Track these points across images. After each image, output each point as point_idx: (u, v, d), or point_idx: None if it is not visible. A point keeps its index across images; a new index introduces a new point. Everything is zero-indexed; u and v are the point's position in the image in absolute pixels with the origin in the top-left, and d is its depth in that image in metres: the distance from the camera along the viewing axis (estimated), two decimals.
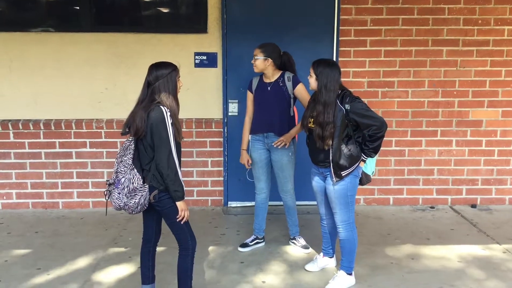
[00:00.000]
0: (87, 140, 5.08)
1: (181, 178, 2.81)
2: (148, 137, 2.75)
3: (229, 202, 5.24)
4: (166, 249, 3.95)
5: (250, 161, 4.02)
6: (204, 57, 4.98)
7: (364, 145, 3.30)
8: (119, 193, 2.78)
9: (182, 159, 3.06)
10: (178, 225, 2.88)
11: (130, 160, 2.79)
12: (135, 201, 2.76)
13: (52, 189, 5.15)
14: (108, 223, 4.73)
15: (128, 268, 3.75)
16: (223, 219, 4.90)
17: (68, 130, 5.05)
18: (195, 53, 4.97)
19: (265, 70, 3.87)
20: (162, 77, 2.80)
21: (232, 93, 5.04)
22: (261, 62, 3.83)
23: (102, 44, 4.94)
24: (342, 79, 5.03)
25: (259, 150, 3.98)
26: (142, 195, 2.77)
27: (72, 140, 5.07)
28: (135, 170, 2.78)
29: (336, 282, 3.44)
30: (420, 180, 5.29)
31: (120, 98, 5.04)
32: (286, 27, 4.94)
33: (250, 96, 4.02)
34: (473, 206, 5.28)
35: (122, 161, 2.83)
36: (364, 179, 3.44)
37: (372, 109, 3.29)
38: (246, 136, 4.04)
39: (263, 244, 4.20)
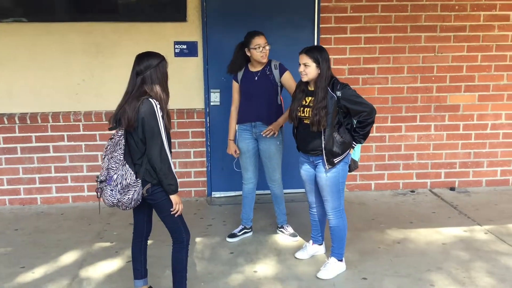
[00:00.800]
0: (65, 134, 4.94)
1: (174, 171, 2.76)
2: (139, 131, 2.68)
3: (212, 193, 5.21)
4: (154, 243, 3.89)
5: (237, 151, 3.99)
6: (184, 46, 4.89)
7: (354, 131, 3.32)
8: (111, 190, 2.70)
9: None
10: (172, 219, 2.84)
11: (122, 156, 2.71)
12: (128, 197, 2.69)
13: (30, 185, 5.00)
14: (91, 218, 4.63)
15: (116, 263, 3.69)
16: (208, 210, 4.86)
17: (45, 124, 4.89)
18: (174, 42, 4.88)
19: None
20: (150, 68, 2.72)
21: (213, 83, 4.98)
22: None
23: (78, 34, 4.79)
24: None
25: (246, 140, 3.95)
26: (136, 190, 2.70)
27: (49, 133, 4.92)
28: (127, 165, 2.70)
29: (327, 269, 3.47)
30: (400, 165, 5.38)
31: (98, 90, 4.91)
32: (268, 14, 4.89)
33: (235, 86, 3.97)
34: (452, 189, 5.41)
35: (112, 157, 2.73)
36: (353, 166, 3.47)
37: (361, 96, 3.31)
38: (233, 126, 4.00)
39: (251, 233, 4.19)
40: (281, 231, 4.19)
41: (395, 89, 5.19)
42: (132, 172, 2.70)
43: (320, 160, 3.36)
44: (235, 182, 5.06)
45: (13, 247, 4.01)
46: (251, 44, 3.74)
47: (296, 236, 4.10)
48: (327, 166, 3.32)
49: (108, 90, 4.92)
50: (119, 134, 2.76)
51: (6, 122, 4.84)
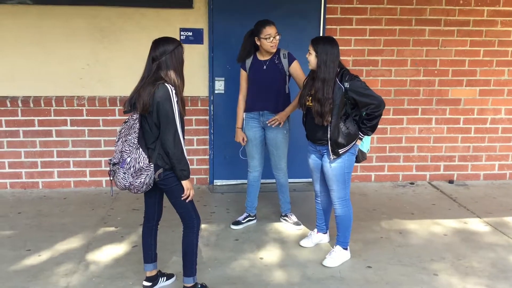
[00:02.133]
0: (68, 118, 4.93)
1: (187, 157, 2.78)
2: (154, 115, 2.69)
3: (214, 181, 5.22)
4: (160, 228, 3.83)
5: (245, 139, 4.01)
6: (190, 33, 4.88)
7: (362, 123, 3.34)
8: (124, 173, 2.71)
9: None
10: (183, 204, 2.86)
11: (136, 139, 2.71)
12: (140, 181, 2.71)
13: (32, 169, 4.98)
14: (93, 203, 4.64)
15: (122, 247, 3.70)
16: (210, 198, 4.89)
17: (48, 108, 4.87)
18: (180, 29, 4.87)
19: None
20: (167, 53, 2.72)
21: (218, 71, 4.98)
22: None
23: (83, 18, 4.76)
24: None
25: (253, 128, 3.97)
26: (148, 174, 2.71)
27: (52, 118, 4.90)
28: (140, 149, 2.71)
29: (333, 257, 3.52)
30: (401, 157, 5.44)
31: (102, 75, 4.89)
32: (274, 3, 4.89)
33: (244, 74, 3.97)
34: (451, 181, 5.48)
35: (126, 140, 2.74)
36: (360, 157, 3.50)
37: (370, 88, 3.33)
38: (241, 114, 4.01)
39: (255, 221, 4.22)
40: (284, 219, 4.22)
41: (398, 82, 5.23)
42: (145, 156, 2.71)
43: (326, 150, 3.40)
44: (238, 170, 5.09)
45: (17, 230, 4.01)
46: (261, 34, 3.74)
47: (300, 224, 4.14)
48: (332, 157, 3.36)
49: (112, 76, 4.90)
50: (134, 117, 2.77)
51: (8, 105, 4.81)
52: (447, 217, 4.42)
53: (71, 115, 4.92)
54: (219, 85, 4.99)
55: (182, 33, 4.86)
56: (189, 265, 2.96)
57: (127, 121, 2.81)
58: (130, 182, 2.72)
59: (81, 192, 4.96)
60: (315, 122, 3.36)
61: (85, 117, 4.94)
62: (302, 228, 4.11)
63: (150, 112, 2.69)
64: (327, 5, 4.95)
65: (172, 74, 2.74)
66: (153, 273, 3.09)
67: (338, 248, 3.55)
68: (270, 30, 3.73)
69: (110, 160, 2.80)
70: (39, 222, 4.17)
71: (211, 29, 4.88)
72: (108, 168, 2.84)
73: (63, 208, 4.51)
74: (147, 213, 3.06)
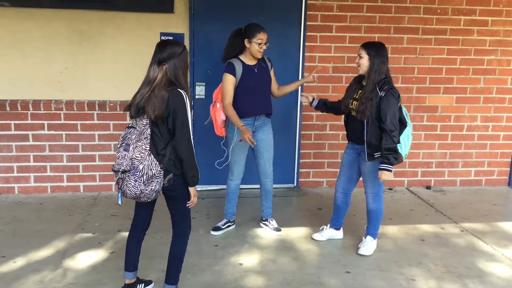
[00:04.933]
0: (45, 122, 4.85)
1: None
2: (169, 122, 2.62)
3: None
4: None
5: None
6: (171, 38, 4.84)
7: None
8: (135, 181, 2.61)
9: None
10: (183, 211, 2.84)
11: (147, 146, 2.63)
12: (151, 188, 2.63)
13: (7, 174, 4.89)
14: (71, 209, 4.57)
15: (99, 254, 3.65)
16: None
17: (25, 111, 4.79)
18: (161, 33, 4.84)
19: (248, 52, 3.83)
20: (175, 56, 2.64)
21: (199, 76, 4.97)
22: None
23: (62, 21, 4.70)
24: (308, 64, 5.12)
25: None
26: (158, 181, 2.64)
27: (29, 122, 4.82)
28: (151, 155, 2.62)
29: (366, 246, 3.77)
30: None
31: (81, 78, 4.84)
32: (255, 9, 4.91)
33: (232, 80, 3.79)
34: (428, 187, 5.56)
35: (137, 146, 2.62)
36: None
37: (397, 111, 3.41)
38: (235, 114, 3.79)
39: (233, 226, 4.22)
40: (265, 224, 4.22)
41: None
42: (157, 163, 2.63)
43: (363, 149, 3.56)
44: (218, 176, 5.06)
45: None
46: (253, 37, 3.72)
47: (280, 230, 4.14)
48: (366, 159, 3.52)
49: (91, 79, 4.85)
50: (144, 123, 2.67)
51: None
52: (425, 223, 4.48)
53: (48, 119, 4.84)
54: (200, 90, 4.98)
55: (162, 37, 4.83)
56: (175, 273, 2.92)
57: (131, 126, 2.71)
58: (141, 189, 2.63)
59: (58, 197, 4.88)
60: (355, 124, 3.57)
61: (62, 121, 4.86)
62: (281, 234, 4.11)
63: (165, 118, 2.62)
64: (308, 12, 4.99)
65: (181, 79, 2.68)
66: (132, 281, 3.04)
67: (369, 238, 3.80)
68: (263, 36, 3.75)
69: (114, 167, 2.67)
70: (14, 228, 4.09)
71: (191, 34, 4.86)
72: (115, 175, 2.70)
73: (40, 214, 4.43)
74: (136, 221, 2.98)
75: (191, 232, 2.96)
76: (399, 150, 3.50)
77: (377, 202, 3.71)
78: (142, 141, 2.63)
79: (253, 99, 3.89)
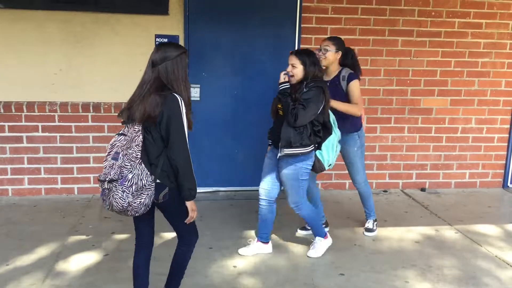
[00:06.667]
0: (39, 124, 4.83)
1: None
2: (162, 128, 2.41)
3: None
4: (130, 237, 3.85)
5: None
6: (165, 40, 4.85)
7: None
8: (123, 191, 2.36)
9: None
10: (184, 225, 2.61)
11: (138, 153, 2.40)
12: (140, 201, 2.39)
13: (1, 175, 4.87)
14: (64, 211, 4.55)
15: (93, 256, 3.63)
16: None
17: (19, 113, 4.77)
18: (156, 35, 4.84)
19: (330, 65, 3.80)
20: (169, 59, 2.47)
21: (193, 78, 4.95)
22: (332, 55, 3.75)
23: (56, 23, 4.69)
24: None
25: None
26: (148, 194, 2.40)
27: (23, 123, 4.80)
28: (142, 164, 2.40)
29: (316, 249, 3.74)
30: (374, 165, 5.50)
31: (75, 80, 4.82)
32: (250, 12, 4.91)
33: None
34: (423, 189, 5.57)
35: (127, 154, 2.41)
36: (317, 166, 3.54)
37: (312, 104, 3.30)
38: None
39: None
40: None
41: (371, 91, 5.30)
42: (148, 173, 2.40)
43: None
44: (210, 178, 5.09)
45: None
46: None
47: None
48: (280, 153, 3.40)
49: (85, 81, 4.84)
50: (136, 129, 2.46)
51: None
52: (419, 225, 4.48)
53: (42, 121, 4.82)
54: (195, 92, 4.97)
55: (157, 39, 4.83)
56: (177, 281, 2.85)
57: (122, 133, 2.52)
58: (129, 202, 2.37)
59: (52, 199, 4.87)
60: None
61: (57, 123, 4.85)
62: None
63: (158, 124, 2.42)
64: (303, 15, 5.00)
65: (174, 83, 2.48)
66: None
67: (318, 239, 3.78)
68: (324, 44, 3.85)
69: (100, 177, 2.44)
70: (7, 230, 4.07)
71: (186, 36, 4.86)
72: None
73: (33, 216, 4.41)
74: (140, 240, 2.73)
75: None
76: (319, 156, 3.49)
77: (303, 210, 3.61)
78: (133, 149, 2.42)
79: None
